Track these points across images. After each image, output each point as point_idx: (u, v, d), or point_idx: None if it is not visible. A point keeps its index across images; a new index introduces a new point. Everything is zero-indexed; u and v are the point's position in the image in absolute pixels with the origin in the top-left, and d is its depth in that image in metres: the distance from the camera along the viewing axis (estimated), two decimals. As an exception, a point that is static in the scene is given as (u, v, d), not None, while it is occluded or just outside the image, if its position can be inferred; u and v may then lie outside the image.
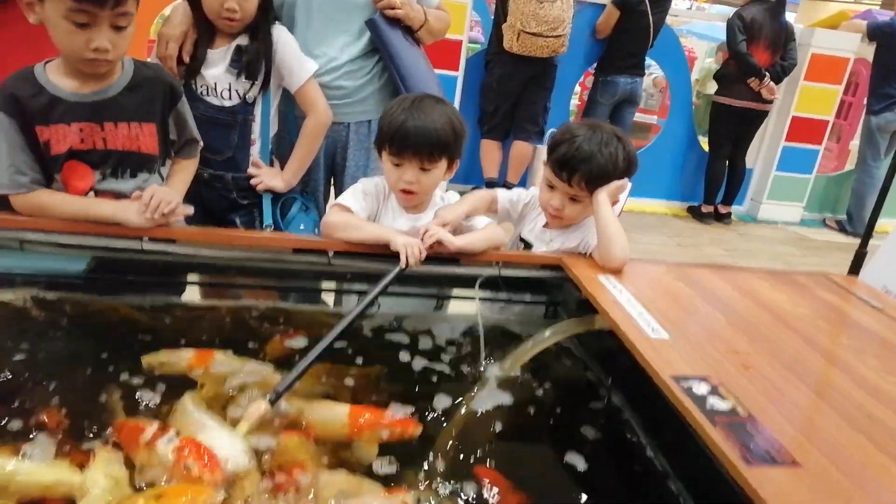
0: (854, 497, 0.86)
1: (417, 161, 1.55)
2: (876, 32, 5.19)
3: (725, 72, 5.17)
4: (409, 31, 2.06)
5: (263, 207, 1.97)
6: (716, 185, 5.35)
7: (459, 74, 4.69)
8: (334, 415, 1.18)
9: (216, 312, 1.63)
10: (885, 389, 1.16)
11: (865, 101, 5.59)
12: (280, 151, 2.04)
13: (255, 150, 1.94)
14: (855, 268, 1.91)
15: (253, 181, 1.93)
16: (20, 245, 1.48)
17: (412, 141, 1.53)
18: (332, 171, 2.21)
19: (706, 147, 5.47)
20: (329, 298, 1.87)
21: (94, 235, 1.47)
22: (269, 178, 1.95)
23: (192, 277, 1.74)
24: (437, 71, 2.29)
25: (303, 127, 1.96)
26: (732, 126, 5.15)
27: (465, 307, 1.77)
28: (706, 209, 5.41)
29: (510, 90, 4.52)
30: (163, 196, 1.44)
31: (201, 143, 1.71)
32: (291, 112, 2.03)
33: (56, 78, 1.43)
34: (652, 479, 1.18)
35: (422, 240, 1.49)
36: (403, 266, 1.46)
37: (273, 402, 1.15)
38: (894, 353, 1.36)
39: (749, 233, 5.37)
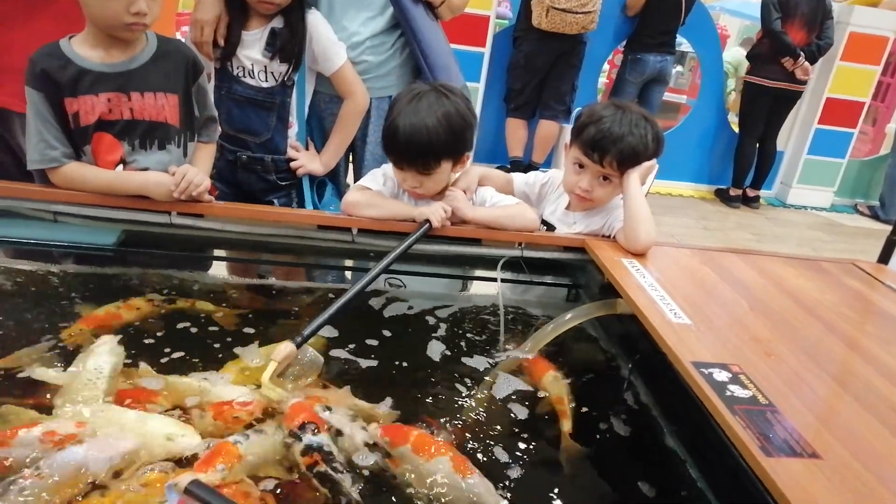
0: (875, 490, 0.86)
1: (414, 168, 1.55)
2: (918, 11, 5.03)
3: (759, 51, 5.06)
4: (430, 7, 2.04)
5: (304, 192, 1.99)
6: (745, 167, 5.27)
7: (486, 51, 4.64)
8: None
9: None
10: (909, 381, 1.15)
11: (904, 83, 5.43)
12: (311, 133, 2.05)
13: (292, 133, 1.95)
14: (885, 256, 1.87)
15: (293, 164, 1.95)
16: (54, 217, 1.52)
17: (405, 150, 1.52)
18: (352, 147, 2.22)
19: (737, 128, 5.37)
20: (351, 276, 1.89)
21: (124, 209, 1.51)
22: (308, 161, 1.97)
23: (218, 253, 1.77)
24: (464, 47, 2.27)
25: (341, 110, 1.96)
26: (764, 107, 5.04)
27: (487, 288, 1.78)
28: (734, 192, 5.33)
29: (538, 67, 4.47)
30: (192, 178, 1.48)
31: (218, 127, 1.73)
32: (319, 94, 2.04)
33: (82, 50, 1.45)
34: (670, 466, 1.18)
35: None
36: (430, 224, 1.50)
37: (299, 346, 1.21)
38: (921, 344, 1.34)
39: (777, 217, 5.29)
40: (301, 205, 1.99)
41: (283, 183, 1.98)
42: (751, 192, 5.36)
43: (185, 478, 0.82)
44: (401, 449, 1.06)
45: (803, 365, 1.17)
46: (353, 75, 1.94)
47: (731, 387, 1.05)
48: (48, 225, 1.53)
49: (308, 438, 1.03)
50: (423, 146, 1.50)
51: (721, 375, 1.08)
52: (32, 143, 1.44)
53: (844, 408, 1.06)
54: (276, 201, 1.97)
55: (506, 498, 1.02)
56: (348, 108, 1.96)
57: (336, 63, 1.90)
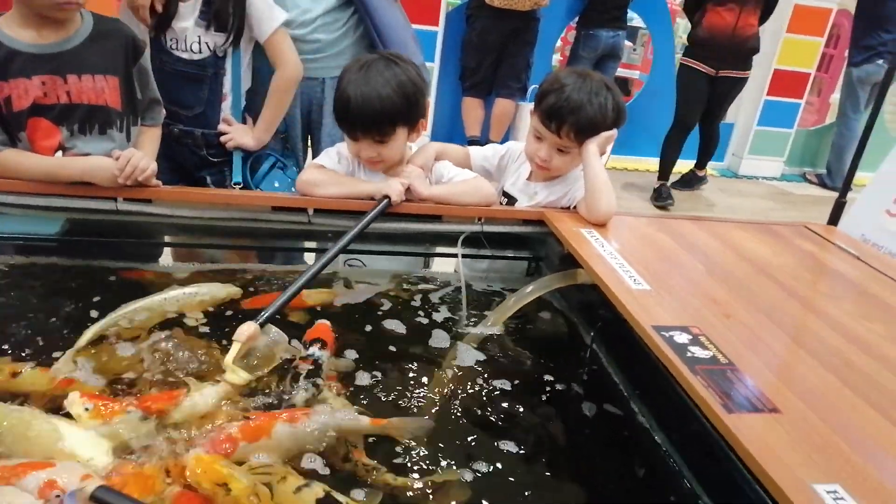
0: (832, 440, 0.88)
1: (370, 137, 1.52)
2: (858, -18, 5.13)
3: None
4: None
5: (234, 166, 1.93)
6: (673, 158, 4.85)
7: (440, 30, 4.60)
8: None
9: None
10: (861, 335, 1.18)
11: (847, 54, 5.56)
12: (253, 108, 1.99)
13: (226, 106, 1.89)
14: (834, 218, 1.92)
15: (223, 138, 1.89)
16: (-9, 208, 1.45)
17: (358, 119, 1.49)
18: (308, 129, 2.17)
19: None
20: (310, 258, 1.85)
21: (67, 196, 1.44)
22: (239, 135, 1.91)
23: (169, 239, 1.71)
24: (417, 26, 2.24)
25: (272, 81, 1.91)
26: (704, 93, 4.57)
27: (449, 264, 1.77)
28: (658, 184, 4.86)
29: (491, 45, 4.44)
30: (137, 162, 1.41)
31: (163, 110, 1.66)
32: (265, 67, 1.98)
33: (11, 30, 1.37)
34: (635, 431, 1.19)
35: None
36: (388, 200, 1.48)
37: (262, 325, 1.17)
38: (871, 299, 1.38)
39: (729, 188, 5.40)
40: (232, 178, 1.94)
41: (215, 159, 1.93)
42: (699, 172, 5.09)
43: (90, 484, 0.77)
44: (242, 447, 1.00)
45: (761, 324, 1.19)
46: (287, 44, 1.88)
47: (692, 348, 1.06)
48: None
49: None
50: (376, 112, 1.47)
51: (681, 338, 1.09)
52: None
53: (801, 364, 1.08)
54: (208, 178, 1.92)
55: (472, 469, 1.02)
56: (278, 78, 1.90)
57: (268, 28, 1.83)
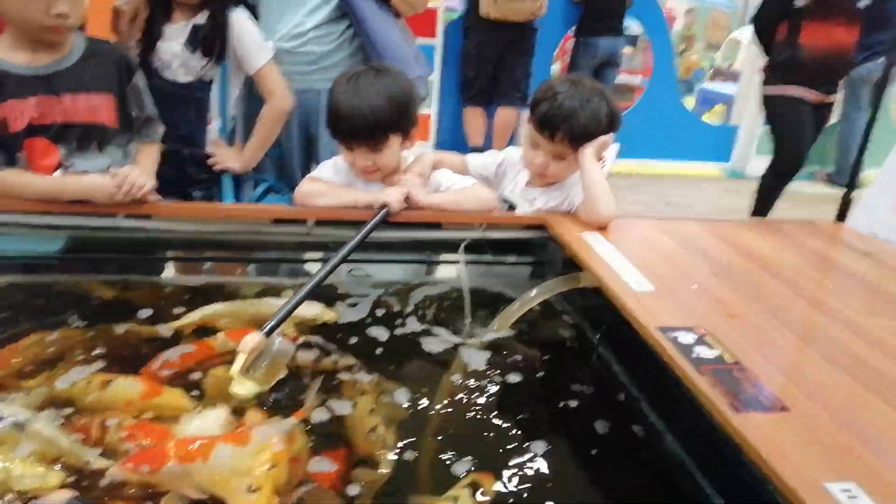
0: (843, 438, 0.86)
1: (364, 146, 1.52)
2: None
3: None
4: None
5: (224, 188, 1.96)
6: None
7: (438, 42, 4.63)
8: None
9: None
10: (870, 330, 1.16)
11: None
12: (247, 133, 2.02)
13: (213, 128, 1.93)
14: (841, 215, 1.90)
15: (210, 160, 1.93)
16: (-9, 228, 1.45)
17: (350, 129, 1.50)
18: (308, 143, 2.17)
19: (688, 105, 5.42)
20: (312, 269, 1.85)
21: (68, 214, 1.44)
22: (226, 159, 1.95)
23: (170, 254, 1.71)
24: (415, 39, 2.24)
25: (261, 112, 1.94)
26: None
27: (451, 272, 1.75)
28: None
29: (489, 56, 4.45)
30: (134, 179, 1.41)
31: (161, 126, 1.67)
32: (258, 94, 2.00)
33: (4, 53, 1.38)
34: (644, 432, 1.17)
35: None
36: (388, 209, 1.48)
37: (268, 334, 1.14)
38: (881, 294, 1.35)
39: (736, 189, 5.36)
40: (220, 199, 1.97)
41: (202, 176, 1.95)
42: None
43: (60, 495, 0.74)
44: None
45: (768, 323, 1.17)
46: (275, 77, 1.92)
47: (698, 348, 1.04)
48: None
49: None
50: (367, 121, 1.47)
51: (687, 338, 1.07)
52: None
53: (810, 362, 1.06)
54: (194, 195, 1.94)
55: (487, 471, 1.01)
56: (267, 109, 1.94)
57: (257, 63, 1.89)
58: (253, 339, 1.13)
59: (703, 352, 1.03)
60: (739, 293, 1.28)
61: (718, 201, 5.01)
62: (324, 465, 1.01)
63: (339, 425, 1.11)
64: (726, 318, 1.17)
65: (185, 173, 1.93)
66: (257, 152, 1.99)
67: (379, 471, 1.02)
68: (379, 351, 1.35)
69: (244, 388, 1.10)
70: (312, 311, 1.39)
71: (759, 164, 5.66)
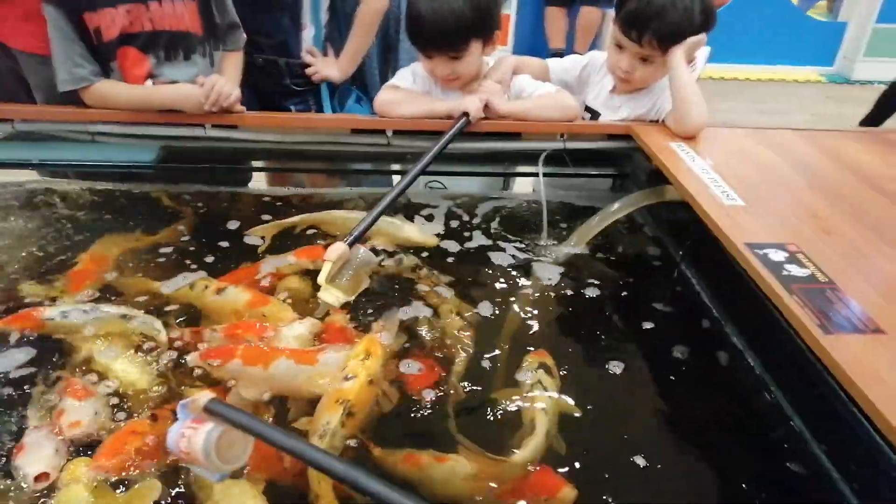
0: (942, 363, 0.82)
1: (443, 53, 1.48)
2: None
3: None
4: None
5: (322, 98, 1.94)
6: None
7: (520, -64, 4.37)
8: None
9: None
10: (984, 252, 1.08)
11: None
12: (332, 38, 1.97)
13: (307, 36, 1.88)
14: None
15: (308, 70, 1.89)
16: (92, 138, 1.52)
17: (431, 35, 1.45)
18: (385, 50, 2.13)
19: (795, 1, 4.97)
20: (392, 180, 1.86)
21: (159, 125, 1.50)
22: (324, 67, 1.90)
23: (254, 163, 1.76)
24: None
25: (357, 13, 1.87)
26: None
27: (529, 184, 1.73)
28: None
29: (574, -50, 4.17)
30: (221, 88, 1.44)
31: (243, 34, 1.67)
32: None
33: None
34: (726, 352, 1.15)
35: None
36: (468, 117, 1.45)
37: (351, 245, 1.16)
38: None
39: (839, 95, 4.97)
40: (320, 112, 1.94)
41: (299, 88, 1.93)
42: None
43: (202, 396, 0.80)
44: (229, 365, 1.02)
45: (865, 240, 1.10)
46: None
47: (788, 266, 1.00)
48: (88, 146, 1.54)
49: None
50: (449, 27, 1.43)
51: (777, 255, 1.03)
52: (59, 63, 1.42)
53: (911, 283, 1.00)
54: (292, 108, 1.93)
55: (562, 390, 1.02)
56: (363, 9, 1.86)
57: None
58: (337, 248, 1.14)
59: (793, 270, 0.99)
60: (837, 208, 1.21)
61: (818, 109, 4.66)
62: (413, 368, 1.06)
63: (427, 328, 1.16)
64: (821, 233, 1.11)
65: (282, 86, 1.92)
66: (356, 57, 1.94)
67: (459, 370, 1.06)
68: (451, 260, 1.37)
69: (331, 295, 1.12)
70: (415, 234, 1.41)
71: (869, 66, 5.21)
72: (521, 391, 1.02)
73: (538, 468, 0.90)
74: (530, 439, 0.94)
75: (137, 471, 0.86)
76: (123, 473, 0.85)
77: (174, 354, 1.07)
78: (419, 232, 1.44)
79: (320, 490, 0.84)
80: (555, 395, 1.02)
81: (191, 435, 0.77)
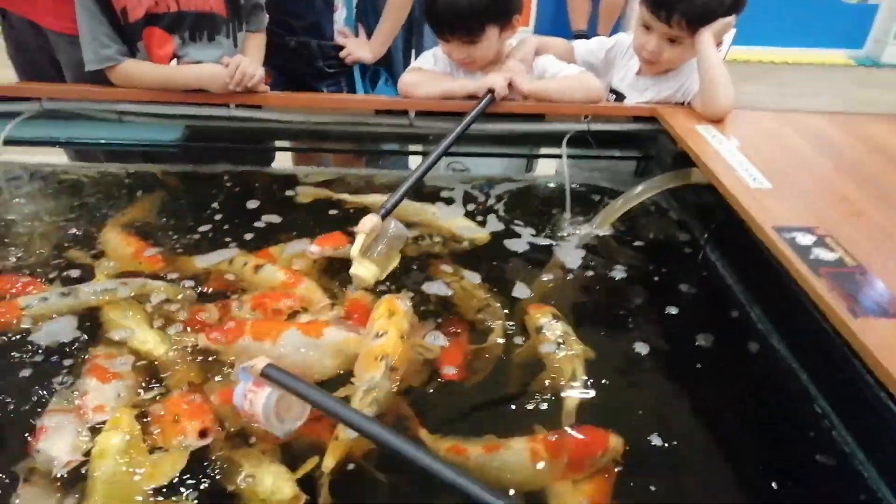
0: (973, 349, 0.81)
1: (458, 38, 1.47)
2: None
3: None
4: None
5: (356, 80, 1.93)
6: None
7: (543, -85, 4.30)
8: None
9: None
10: None
11: None
12: (363, 19, 1.97)
13: (338, 17, 1.88)
14: None
15: (342, 53, 1.89)
16: (119, 117, 1.54)
17: (446, 19, 1.45)
18: (409, 32, 2.12)
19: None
20: (414, 161, 1.86)
21: (184, 104, 1.51)
22: (357, 48, 1.90)
23: (278, 143, 1.77)
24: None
25: None
26: None
27: (553, 166, 1.72)
28: None
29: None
30: (245, 68, 1.45)
31: (266, 15, 1.67)
32: None
33: None
34: (751, 337, 1.14)
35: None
36: (492, 95, 1.45)
37: (384, 217, 1.15)
38: None
39: (868, 79, 4.86)
40: (352, 93, 1.94)
41: (332, 70, 1.92)
42: None
43: (260, 361, 0.83)
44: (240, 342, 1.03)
45: (895, 224, 1.09)
46: None
47: (816, 250, 0.99)
48: (114, 125, 1.56)
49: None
50: (463, 10, 1.42)
51: (805, 239, 1.02)
52: (86, 43, 1.44)
53: (942, 268, 0.99)
54: (324, 90, 1.93)
55: (584, 372, 1.03)
56: None
57: None
58: (371, 220, 1.12)
59: (821, 254, 0.98)
60: (866, 191, 1.19)
61: (847, 93, 4.57)
62: (439, 341, 1.07)
63: (451, 302, 1.17)
64: (850, 217, 1.10)
65: (314, 68, 1.91)
66: (387, 39, 1.93)
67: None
68: (477, 245, 1.37)
69: (365, 269, 1.11)
70: (465, 228, 1.39)
71: (899, 49, 5.08)
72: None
73: (578, 428, 0.91)
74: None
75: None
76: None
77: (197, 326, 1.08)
78: (470, 226, 1.40)
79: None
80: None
81: (252, 398, 0.83)
